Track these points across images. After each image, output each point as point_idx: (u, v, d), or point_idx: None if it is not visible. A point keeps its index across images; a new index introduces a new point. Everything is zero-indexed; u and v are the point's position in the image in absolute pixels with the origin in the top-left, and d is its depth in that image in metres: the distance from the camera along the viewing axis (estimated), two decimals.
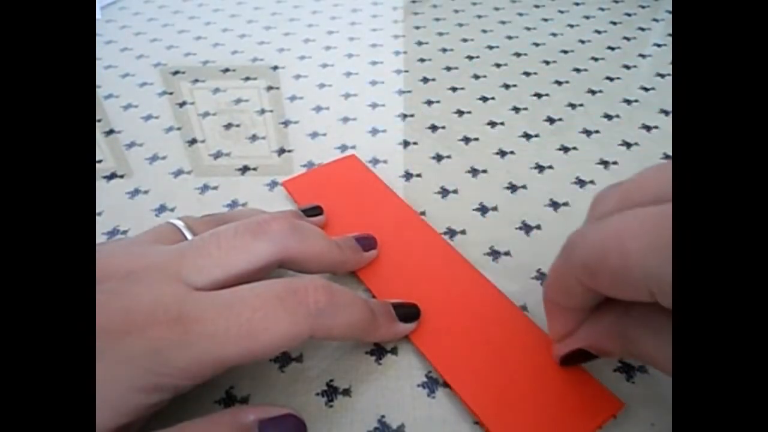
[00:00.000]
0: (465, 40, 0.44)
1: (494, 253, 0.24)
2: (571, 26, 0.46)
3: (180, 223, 0.20)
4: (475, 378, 0.19)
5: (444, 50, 0.43)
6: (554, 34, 0.44)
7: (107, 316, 0.15)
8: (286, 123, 0.34)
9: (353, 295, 0.18)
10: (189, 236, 0.20)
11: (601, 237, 0.14)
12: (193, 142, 0.33)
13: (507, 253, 0.24)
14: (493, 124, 0.33)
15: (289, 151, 0.32)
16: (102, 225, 0.26)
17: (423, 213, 0.27)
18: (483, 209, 0.27)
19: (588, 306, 0.17)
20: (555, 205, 0.27)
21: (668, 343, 0.15)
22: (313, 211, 0.25)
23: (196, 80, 0.40)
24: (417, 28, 0.46)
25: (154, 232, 0.20)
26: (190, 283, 0.17)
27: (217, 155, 0.32)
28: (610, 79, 0.38)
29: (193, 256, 0.18)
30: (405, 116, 0.35)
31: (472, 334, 0.20)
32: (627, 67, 0.39)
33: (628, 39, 0.43)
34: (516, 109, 0.35)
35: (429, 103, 0.36)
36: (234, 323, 0.15)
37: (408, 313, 0.20)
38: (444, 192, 0.28)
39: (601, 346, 0.17)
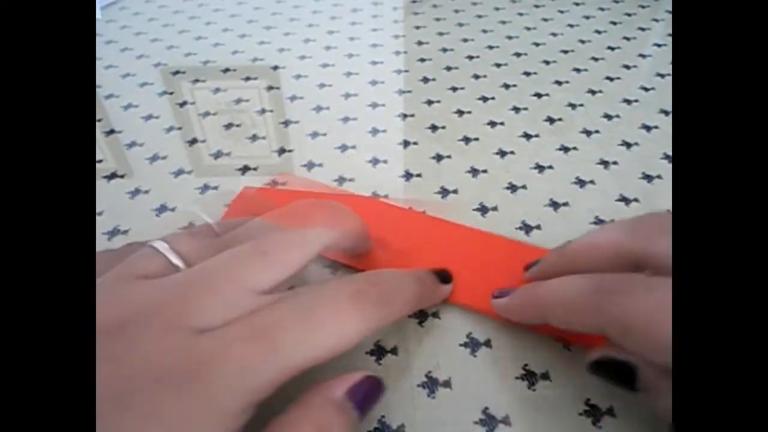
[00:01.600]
0: (465, 40, 0.44)
1: None
2: (571, 26, 0.46)
3: (163, 246, 0.18)
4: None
5: (444, 50, 0.43)
6: (554, 34, 0.44)
7: (107, 380, 0.13)
8: (286, 123, 0.34)
9: (400, 274, 0.19)
10: (177, 261, 0.17)
11: (653, 304, 0.14)
12: (193, 142, 0.33)
13: None
14: (493, 124, 0.33)
15: (289, 151, 0.32)
16: (102, 225, 0.26)
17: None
18: (483, 209, 0.27)
19: None
20: (555, 205, 0.27)
21: None
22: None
23: (197, 80, 0.40)
24: (417, 28, 0.46)
25: (138, 265, 0.17)
26: (196, 326, 0.15)
27: (218, 155, 0.32)
28: (610, 79, 0.38)
29: (195, 297, 0.16)
30: (405, 116, 0.35)
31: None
32: (627, 67, 0.39)
33: (628, 39, 0.43)
34: (516, 109, 0.35)
35: (429, 103, 0.36)
36: (317, 325, 0.16)
37: (444, 275, 0.21)
38: (444, 192, 0.28)
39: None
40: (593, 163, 0.30)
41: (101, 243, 0.25)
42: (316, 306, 0.16)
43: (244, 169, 0.30)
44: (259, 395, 0.15)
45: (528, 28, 0.45)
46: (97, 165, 0.31)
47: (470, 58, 0.41)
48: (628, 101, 0.35)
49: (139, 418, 0.13)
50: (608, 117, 0.34)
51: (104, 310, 0.15)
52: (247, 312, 0.15)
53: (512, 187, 0.28)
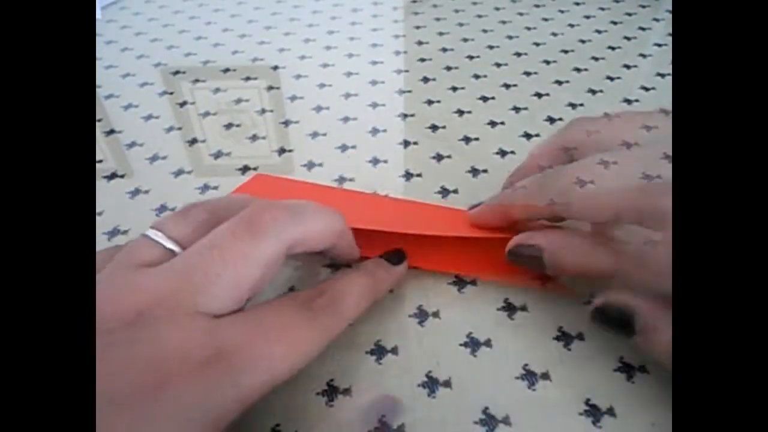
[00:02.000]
0: (465, 40, 0.44)
1: None
2: (572, 26, 0.46)
3: (159, 235, 0.18)
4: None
5: (444, 50, 0.43)
6: (555, 34, 0.44)
7: (137, 372, 0.14)
8: (286, 123, 0.34)
9: (349, 274, 0.20)
10: (173, 247, 0.17)
11: (573, 172, 0.19)
12: (193, 142, 0.33)
13: None
14: (493, 123, 0.33)
15: (290, 151, 0.32)
16: (102, 225, 0.26)
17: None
18: None
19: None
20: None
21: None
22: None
23: (197, 80, 0.40)
24: (417, 27, 0.46)
25: (135, 253, 0.17)
26: (210, 311, 0.16)
27: (218, 155, 0.32)
28: (611, 78, 0.38)
29: (203, 283, 0.16)
30: (405, 116, 0.35)
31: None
32: (627, 66, 0.39)
33: (628, 39, 0.43)
34: (516, 109, 0.35)
35: (429, 102, 0.36)
36: (274, 345, 0.16)
37: (395, 256, 0.22)
38: (444, 192, 0.28)
39: (556, 254, 0.20)
40: None
41: (101, 243, 0.25)
42: (266, 324, 0.16)
43: (244, 169, 0.30)
44: (222, 418, 0.14)
45: (528, 28, 0.45)
46: (97, 165, 0.31)
47: (470, 57, 0.41)
48: (628, 101, 0.35)
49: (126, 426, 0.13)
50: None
51: (115, 307, 0.15)
52: (206, 336, 0.15)
53: None
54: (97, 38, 0.46)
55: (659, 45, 0.42)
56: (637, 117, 0.22)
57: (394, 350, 0.20)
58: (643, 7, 0.48)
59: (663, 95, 0.36)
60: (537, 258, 0.20)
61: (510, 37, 0.44)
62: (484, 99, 0.36)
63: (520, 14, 0.48)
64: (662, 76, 0.38)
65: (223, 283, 0.16)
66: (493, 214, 0.22)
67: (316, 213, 0.19)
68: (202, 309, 0.16)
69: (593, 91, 0.36)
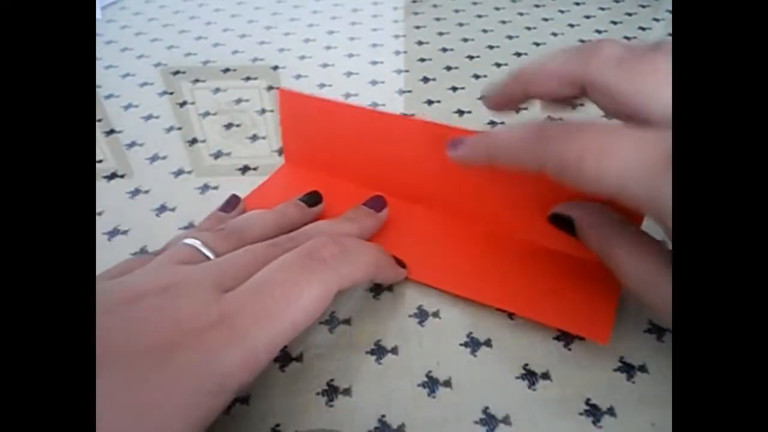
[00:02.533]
0: (465, 40, 0.44)
1: None
2: (572, 26, 0.46)
3: (197, 242, 0.20)
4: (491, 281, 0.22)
5: (444, 50, 0.43)
6: (555, 34, 0.44)
7: (156, 331, 0.15)
8: None
9: (356, 239, 0.20)
10: (210, 255, 0.20)
11: (583, 147, 0.16)
12: (193, 141, 0.33)
13: None
14: (493, 123, 0.33)
15: None
16: (102, 225, 0.26)
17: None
18: None
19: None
20: None
21: (638, 260, 0.17)
22: (313, 200, 0.25)
23: (197, 80, 0.40)
24: (417, 27, 0.46)
25: (174, 254, 0.19)
26: (224, 288, 0.17)
27: (218, 155, 0.32)
28: None
29: (233, 270, 0.18)
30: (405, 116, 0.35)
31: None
32: None
33: (628, 38, 0.43)
34: (516, 109, 0.35)
35: (429, 102, 0.36)
36: (271, 303, 0.16)
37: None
38: None
39: (584, 230, 0.20)
40: None
41: (101, 243, 0.25)
42: (268, 285, 0.17)
43: (244, 169, 0.30)
44: (228, 380, 0.15)
45: (528, 28, 0.45)
46: (98, 165, 0.31)
47: (470, 58, 0.41)
48: None
49: (110, 386, 0.13)
50: (609, 117, 0.34)
51: (147, 281, 0.17)
52: (212, 304, 0.16)
53: None
54: (97, 38, 0.46)
55: None
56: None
57: (394, 350, 0.20)
58: (643, 7, 0.48)
59: None
60: (570, 225, 0.20)
61: (510, 37, 0.44)
62: None
63: (520, 14, 0.48)
64: None
65: (249, 272, 0.17)
66: (476, 158, 0.20)
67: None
68: (221, 287, 0.17)
69: None
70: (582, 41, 0.43)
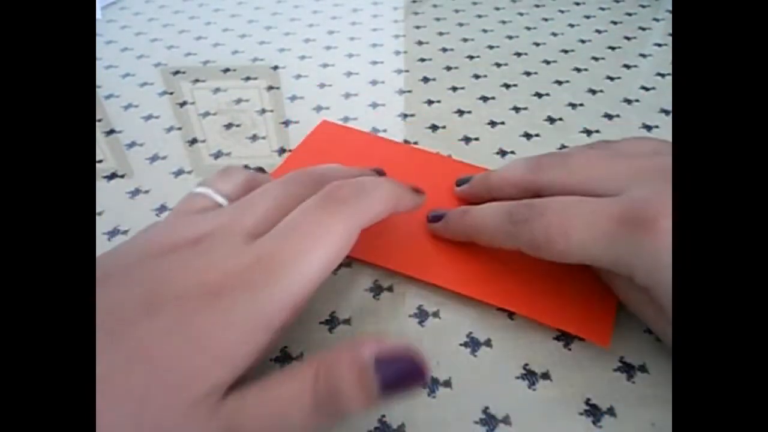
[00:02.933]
0: (465, 40, 0.44)
1: None
2: (572, 26, 0.46)
3: (208, 190, 0.21)
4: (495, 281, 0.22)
5: (444, 50, 0.43)
6: (555, 34, 0.44)
7: (198, 276, 0.16)
8: (286, 123, 0.34)
9: (372, 177, 0.21)
10: (222, 201, 0.20)
11: (548, 224, 0.18)
12: (193, 142, 0.33)
13: None
14: (493, 123, 0.33)
15: (290, 150, 0.32)
16: (102, 225, 0.26)
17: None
18: None
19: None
20: None
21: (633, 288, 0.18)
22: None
23: (197, 80, 0.40)
24: (417, 27, 0.46)
25: (189, 203, 0.20)
26: (249, 231, 0.18)
27: (218, 155, 0.32)
28: (611, 78, 0.38)
29: (252, 209, 0.19)
30: (405, 116, 0.35)
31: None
32: (627, 66, 0.39)
33: (628, 38, 0.43)
34: (516, 109, 0.35)
35: (429, 102, 0.36)
36: (301, 241, 0.17)
37: (418, 189, 0.23)
38: None
39: None
40: None
41: (101, 243, 0.25)
42: (296, 226, 0.17)
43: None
44: (272, 318, 0.16)
45: (528, 28, 0.45)
46: (98, 165, 0.31)
47: (470, 57, 0.41)
48: (628, 101, 0.35)
49: (165, 326, 0.14)
50: (609, 117, 0.34)
51: (178, 232, 0.18)
52: (248, 249, 0.17)
53: None
54: (97, 38, 0.46)
55: (659, 45, 0.42)
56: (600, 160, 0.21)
57: None
58: (643, 7, 0.48)
59: (663, 95, 0.36)
60: None
61: (510, 37, 0.44)
62: (484, 99, 0.36)
63: (520, 14, 0.48)
64: (662, 76, 0.38)
65: (266, 207, 0.19)
66: (455, 236, 0.23)
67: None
68: (247, 231, 0.18)
69: (593, 91, 0.36)
70: (582, 41, 0.43)
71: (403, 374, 0.14)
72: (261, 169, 0.30)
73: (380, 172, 0.25)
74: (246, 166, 0.30)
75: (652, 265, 0.16)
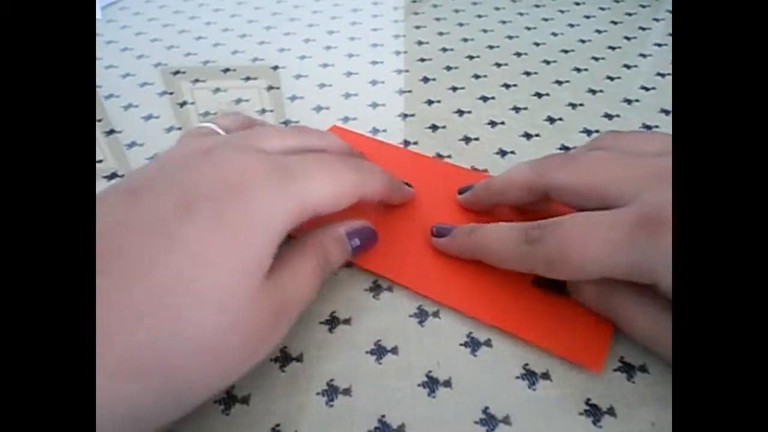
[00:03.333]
0: (465, 40, 0.44)
1: None
2: (572, 26, 0.46)
3: (211, 125, 0.23)
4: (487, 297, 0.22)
5: (444, 50, 0.43)
6: (555, 34, 0.44)
7: (219, 177, 0.17)
8: (286, 123, 0.34)
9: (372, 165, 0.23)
10: (222, 132, 0.23)
11: (562, 238, 0.18)
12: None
13: None
14: (493, 123, 0.33)
15: None
16: None
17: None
18: None
19: None
20: None
21: (648, 311, 0.18)
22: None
23: (197, 80, 0.40)
24: (417, 27, 0.46)
25: (195, 132, 0.22)
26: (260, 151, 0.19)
27: None
28: (611, 78, 0.38)
29: (270, 140, 0.21)
30: (405, 116, 0.35)
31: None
32: (627, 66, 0.39)
33: (628, 38, 0.43)
34: (516, 109, 0.35)
35: (429, 102, 0.36)
36: (315, 168, 0.19)
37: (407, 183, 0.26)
38: None
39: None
40: None
41: None
42: (307, 157, 0.20)
43: None
44: (290, 212, 0.18)
45: (528, 28, 0.45)
46: (98, 165, 0.31)
47: (470, 57, 0.41)
48: (628, 101, 0.35)
49: (204, 222, 0.16)
50: (609, 117, 0.34)
51: (188, 146, 0.20)
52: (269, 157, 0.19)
53: None
54: (97, 38, 0.46)
55: (659, 45, 0.42)
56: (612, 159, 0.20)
57: (394, 350, 0.20)
58: (643, 7, 0.48)
59: (663, 95, 0.36)
60: (558, 284, 0.21)
61: (510, 37, 0.44)
62: (484, 99, 0.36)
63: (520, 14, 0.48)
64: (662, 76, 0.38)
65: (274, 143, 0.21)
66: (462, 254, 0.23)
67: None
68: (257, 146, 0.20)
69: (593, 91, 0.36)
70: (582, 41, 0.43)
71: (363, 237, 0.22)
72: None
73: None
74: None
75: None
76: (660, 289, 0.17)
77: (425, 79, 0.39)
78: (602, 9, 0.48)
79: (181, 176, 0.17)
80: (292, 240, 0.20)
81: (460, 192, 0.26)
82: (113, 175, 0.30)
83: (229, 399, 0.19)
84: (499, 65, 0.40)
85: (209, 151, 0.19)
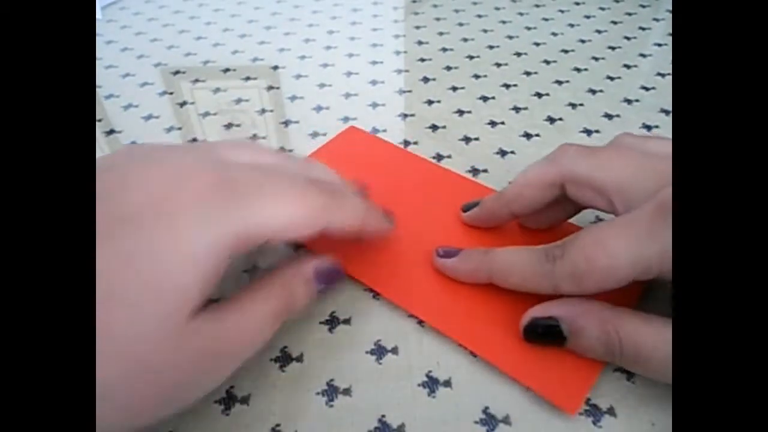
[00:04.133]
0: (465, 40, 0.44)
1: None
2: (572, 26, 0.46)
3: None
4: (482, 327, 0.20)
5: (444, 50, 0.43)
6: (555, 34, 0.44)
7: (157, 194, 0.16)
8: (286, 123, 0.34)
9: (351, 191, 0.21)
10: None
11: (583, 246, 0.17)
12: (193, 141, 0.33)
13: None
14: (493, 123, 0.33)
15: (290, 150, 0.32)
16: None
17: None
18: None
19: None
20: None
21: (659, 332, 0.17)
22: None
23: (197, 80, 0.40)
24: (417, 27, 0.46)
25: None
26: (219, 161, 0.18)
27: None
28: (611, 78, 0.38)
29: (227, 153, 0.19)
30: (405, 116, 0.35)
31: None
32: (627, 66, 0.39)
33: (628, 38, 0.43)
34: (516, 109, 0.35)
35: (429, 102, 0.36)
36: (273, 186, 0.17)
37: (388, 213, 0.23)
38: None
39: (576, 321, 0.18)
40: None
41: None
42: (272, 173, 0.18)
43: None
44: (225, 242, 0.16)
45: (528, 28, 0.45)
46: None
47: (470, 57, 0.41)
48: (628, 101, 0.35)
49: (124, 248, 0.14)
50: (609, 116, 0.34)
51: (151, 146, 0.18)
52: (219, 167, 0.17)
53: None
54: (97, 38, 0.46)
55: (659, 45, 0.42)
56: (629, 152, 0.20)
57: (394, 350, 0.20)
58: (643, 7, 0.48)
59: (663, 95, 0.36)
60: (556, 329, 0.18)
61: (510, 37, 0.44)
62: (484, 99, 0.36)
63: (520, 14, 0.48)
64: (662, 76, 0.38)
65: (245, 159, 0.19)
66: (473, 275, 0.21)
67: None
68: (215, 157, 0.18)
69: (593, 91, 0.36)
70: (582, 41, 0.43)
71: (330, 280, 0.20)
72: None
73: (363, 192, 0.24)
74: None
75: None
76: None
77: (425, 79, 0.39)
78: (602, 9, 0.48)
79: (116, 181, 0.16)
80: (264, 272, 0.19)
81: (465, 209, 0.24)
82: None
83: (229, 399, 0.19)
84: (499, 65, 0.40)
85: (166, 153, 0.17)
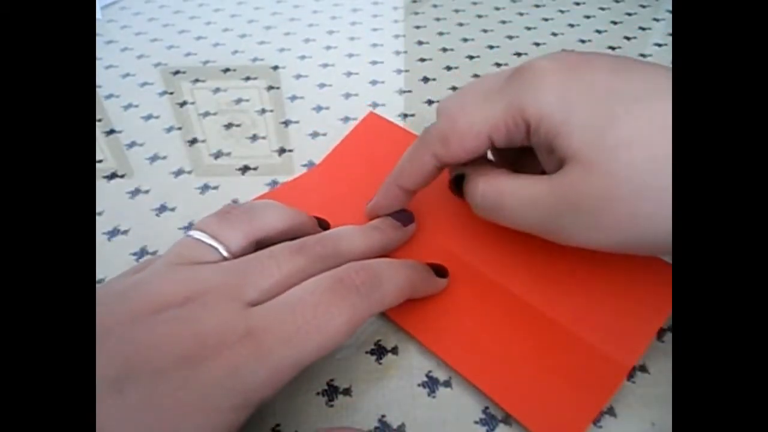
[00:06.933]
0: (465, 40, 0.44)
1: None
2: (572, 26, 0.46)
3: (203, 236, 0.19)
4: (485, 363, 0.19)
5: (444, 50, 0.43)
6: (555, 34, 0.44)
7: (181, 345, 0.15)
8: (286, 123, 0.34)
9: (389, 262, 0.19)
10: (220, 248, 0.19)
11: (449, 111, 0.20)
12: (193, 141, 0.33)
13: None
14: None
15: (290, 150, 0.32)
16: (102, 225, 0.26)
17: None
18: None
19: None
20: None
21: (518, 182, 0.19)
22: (323, 224, 0.23)
23: (197, 80, 0.40)
24: (417, 27, 0.46)
25: (183, 250, 0.18)
26: (249, 300, 0.17)
27: (218, 155, 0.32)
28: None
29: (255, 281, 0.17)
30: (405, 116, 0.35)
31: (481, 324, 0.21)
32: None
33: (628, 38, 0.43)
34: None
35: (429, 103, 0.36)
36: (301, 324, 0.16)
37: (440, 269, 0.22)
38: None
39: (470, 175, 0.20)
40: None
41: (101, 243, 0.25)
42: (297, 304, 0.16)
43: (244, 169, 0.30)
44: (252, 395, 0.15)
45: (528, 28, 0.45)
46: (98, 165, 0.31)
47: (470, 58, 0.41)
48: None
49: (135, 403, 0.14)
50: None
51: (167, 289, 0.16)
52: (240, 318, 0.16)
53: None
54: (97, 38, 0.46)
55: (659, 45, 0.42)
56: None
57: (394, 350, 0.20)
58: (643, 7, 0.48)
59: None
60: (462, 178, 0.21)
61: (510, 38, 0.44)
62: None
63: (520, 14, 0.48)
64: None
65: (273, 282, 0.17)
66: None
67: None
68: (244, 298, 0.17)
69: None
70: (582, 41, 0.43)
71: None
72: (268, 188, 0.30)
73: (406, 217, 0.23)
74: (246, 167, 0.30)
75: (537, 97, 0.18)
76: (534, 129, 0.18)
77: (425, 79, 0.39)
78: (602, 9, 0.48)
79: (135, 335, 0.15)
80: None
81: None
82: (113, 175, 0.30)
83: None
84: (499, 65, 0.40)
85: (185, 303, 0.16)
